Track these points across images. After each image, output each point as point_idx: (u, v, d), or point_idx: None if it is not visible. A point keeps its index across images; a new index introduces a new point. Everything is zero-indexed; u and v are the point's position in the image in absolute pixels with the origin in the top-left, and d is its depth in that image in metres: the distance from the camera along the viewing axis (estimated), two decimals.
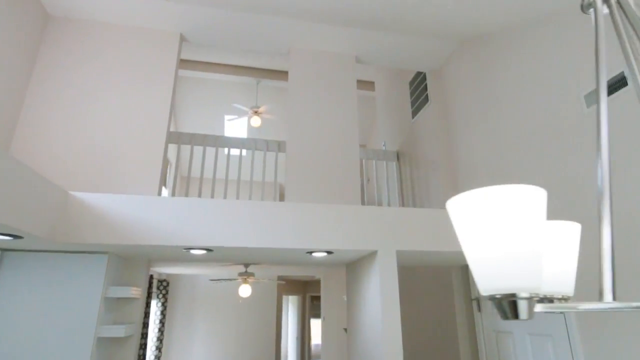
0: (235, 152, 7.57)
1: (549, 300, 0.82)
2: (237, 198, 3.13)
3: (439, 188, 4.04)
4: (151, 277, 5.23)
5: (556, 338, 2.47)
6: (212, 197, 3.32)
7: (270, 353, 7.39)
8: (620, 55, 2.07)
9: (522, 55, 2.98)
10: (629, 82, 2.06)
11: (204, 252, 2.78)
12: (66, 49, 3.48)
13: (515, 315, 0.60)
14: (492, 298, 0.63)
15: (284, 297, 9.63)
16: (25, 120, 3.22)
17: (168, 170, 6.87)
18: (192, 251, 2.75)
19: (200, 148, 7.66)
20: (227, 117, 7.29)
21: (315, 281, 9.74)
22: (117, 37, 3.62)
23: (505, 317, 0.62)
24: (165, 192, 6.28)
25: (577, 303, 0.62)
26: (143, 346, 4.55)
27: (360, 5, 3.37)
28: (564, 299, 0.82)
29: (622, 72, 2.08)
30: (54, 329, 2.62)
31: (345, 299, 6.30)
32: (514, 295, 0.60)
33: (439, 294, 3.80)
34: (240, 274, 5.05)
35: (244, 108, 6.16)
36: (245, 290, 5.42)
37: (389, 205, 4.56)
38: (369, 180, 6.45)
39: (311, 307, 10.35)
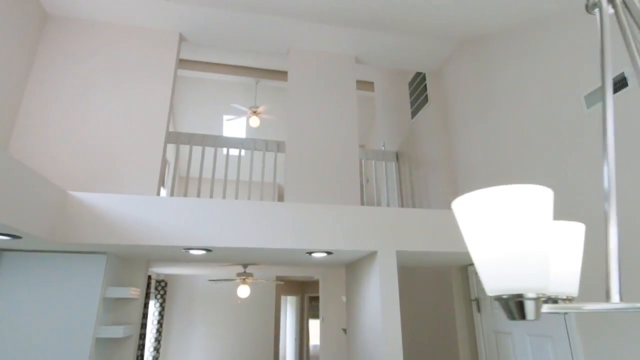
0: (234, 152, 7.56)
1: (553, 300, 0.82)
2: (236, 198, 3.12)
3: (438, 188, 4.04)
4: (149, 277, 5.21)
5: (556, 339, 2.47)
6: (211, 197, 3.32)
7: (269, 354, 7.38)
8: (620, 56, 2.07)
9: (522, 55, 2.98)
10: (629, 82, 2.06)
11: (203, 252, 2.77)
12: (65, 49, 3.47)
13: (523, 316, 0.60)
14: (498, 298, 0.62)
15: (283, 297, 9.62)
16: (24, 119, 3.21)
17: (166, 171, 6.85)
18: (192, 251, 2.74)
19: (199, 148, 7.64)
20: (225, 117, 7.28)
21: (314, 282, 9.74)
22: (116, 37, 3.61)
23: (512, 317, 0.62)
24: (163, 192, 6.26)
25: (582, 303, 0.61)
26: (141, 347, 4.53)
27: (360, 5, 3.37)
28: (569, 299, 0.82)
29: (623, 73, 2.08)
30: (52, 330, 2.60)
31: (344, 299, 6.29)
32: (521, 295, 0.60)
33: (439, 294, 3.80)
34: (239, 275, 5.04)
35: (243, 108, 6.15)
36: (243, 291, 5.41)
37: (388, 205, 4.56)
38: (367, 180, 6.45)
39: (309, 307, 10.34)
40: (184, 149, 7.78)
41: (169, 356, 7.00)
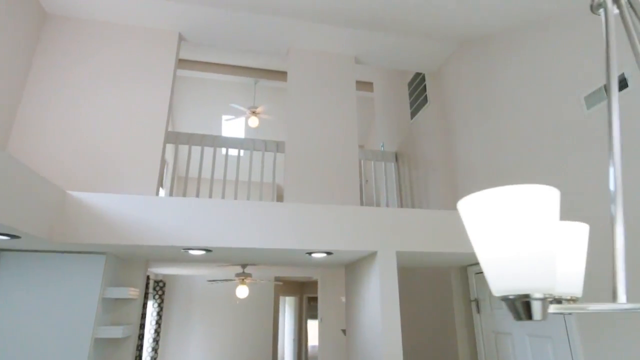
0: (232, 152, 7.55)
1: (557, 301, 0.82)
2: (235, 199, 3.12)
3: (437, 189, 4.04)
4: (147, 277, 5.20)
5: (556, 340, 2.47)
6: (210, 197, 3.31)
7: (267, 354, 7.36)
8: (621, 56, 2.07)
9: (522, 56, 2.99)
10: (629, 83, 2.07)
11: (203, 252, 2.77)
12: (64, 48, 3.46)
13: (529, 316, 0.60)
14: (505, 299, 0.62)
15: (281, 298, 9.61)
16: (23, 119, 3.19)
17: (165, 171, 6.84)
18: (191, 252, 2.73)
19: (198, 148, 7.63)
20: (224, 117, 7.28)
21: (312, 282, 9.73)
22: (115, 36, 3.60)
23: (518, 318, 0.61)
24: (162, 192, 6.25)
25: (587, 304, 0.61)
26: (139, 347, 4.52)
27: (360, 5, 3.37)
28: (573, 299, 0.82)
29: (623, 74, 2.09)
30: (51, 330, 2.59)
31: (344, 300, 6.28)
32: (527, 296, 0.60)
33: (438, 295, 3.80)
34: (238, 275, 5.03)
35: (242, 108, 6.14)
36: (242, 291, 5.40)
37: (387, 206, 4.56)
38: (367, 181, 6.45)
39: (308, 308, 10.33)
40: (183, 149, 7.76)
41: (167, 356, 6.98)
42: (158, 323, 6.58)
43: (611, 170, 0.68)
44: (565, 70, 2.55)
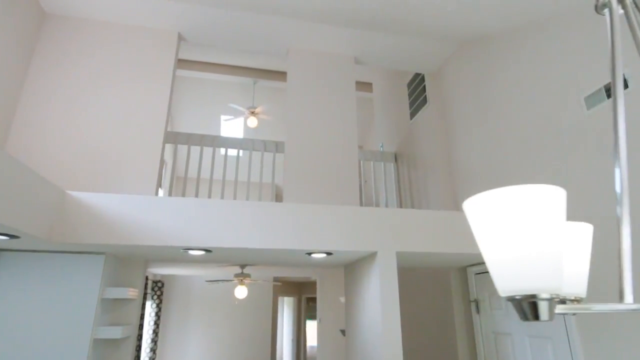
0: (232, 152, 7.54)
1: (562, 301, 0.81)
2: (234, 199, 3.11)
3: (437, 189, 4.04)
4: (146, 278, 5.19)
5: (556, 340, 2.47)
6: (209, 198, 3.30)
7: (266, 355, 7.35)
8: (620, 57, 2.07)
9: (522, 57, 2.99)
10: (629, 84, 2.07)
11: (202, 252, 2.76)
12: (63, 48, 3.45)
13: (536, 317, 0.59)
14: (511, 299, 0.62)
15: (280, 298, 9.60)
16: (21, 119, 3.18)
17: (164, 171, 6.82)
18: (191, 252, 2.72)
19: (197, 148, 7.62)
20: (223, 117, 7.26)
21: (311, 282, 9.72)
22: (114, 36, 3.59)
23: (525, 318, 0.61)
24: (161, 192, 6.23)
25: (593, 304, 0.61)
26: (137, 347, 4.51)
27: (360, 5, 3.36)
28: (577, 300, 0.82)
29: (623, 74, 2.09)
30: (50, 330, 2.58)
31: (343, 300, 6.28)
32: (534, 296, 0.59)
33: (438, 295, 3.80)
34: (236, 275, 5.02)
35: (241, 108, 6.13)
36: (241, 292, 5.39)
37: (386, 206, 4.56)
38: (366, 181, 6.45)
39: (307, 308, 10.33)
40: (182, 149, 7.75)
41: (166, 357, 6.97)
42: (156, 323, 6.57)
43: (617, 171, 0.68)
44: (565, 71, 2.56)
